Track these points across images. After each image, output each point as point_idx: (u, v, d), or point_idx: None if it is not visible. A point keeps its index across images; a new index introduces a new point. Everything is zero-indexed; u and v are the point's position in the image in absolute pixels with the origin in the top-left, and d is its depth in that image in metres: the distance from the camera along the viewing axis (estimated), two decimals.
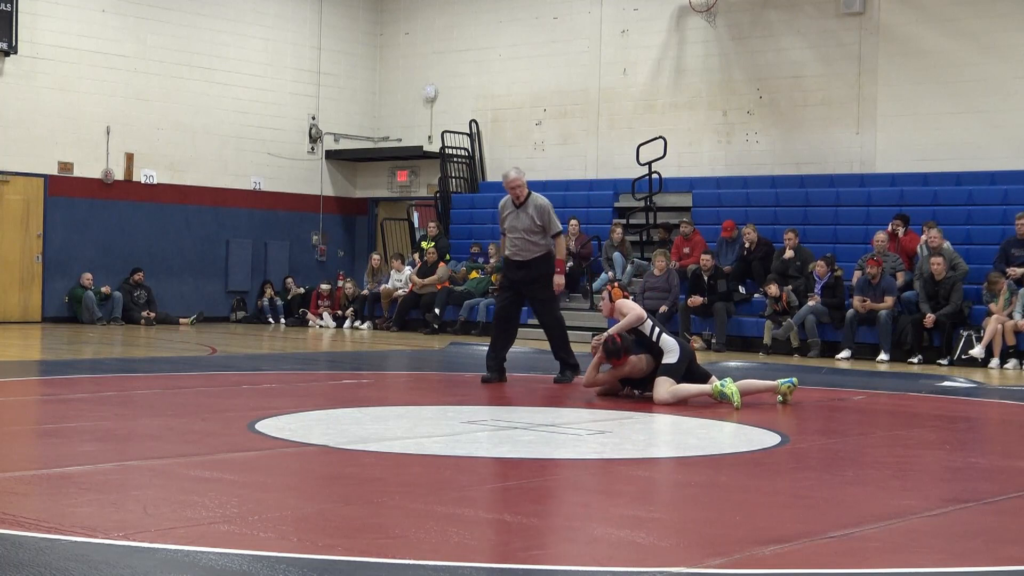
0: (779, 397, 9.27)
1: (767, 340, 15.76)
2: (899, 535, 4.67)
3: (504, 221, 10.63)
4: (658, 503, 5.46)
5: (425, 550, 4.22)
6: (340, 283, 21.16)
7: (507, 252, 10.67)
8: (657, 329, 9.38)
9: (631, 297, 10.29)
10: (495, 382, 10.38)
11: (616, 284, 10.50)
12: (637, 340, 9.42)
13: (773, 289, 15.82)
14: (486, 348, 15.68)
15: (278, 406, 8.33)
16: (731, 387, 8.94)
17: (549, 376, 11.50)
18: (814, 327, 15.45)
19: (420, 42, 22.69)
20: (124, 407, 8.55)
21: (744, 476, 6.14)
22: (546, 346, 16.12)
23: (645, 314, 9.49)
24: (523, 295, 10.75)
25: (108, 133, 19.75)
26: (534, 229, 10.43)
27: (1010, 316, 14.26)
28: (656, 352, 9.28)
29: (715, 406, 8.90)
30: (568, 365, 10.69)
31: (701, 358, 14.30)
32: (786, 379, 9.40)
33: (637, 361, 9.33)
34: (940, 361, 14.49)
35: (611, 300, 9.76)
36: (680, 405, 8.95)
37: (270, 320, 21.17)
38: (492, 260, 19.48)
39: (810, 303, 15.55)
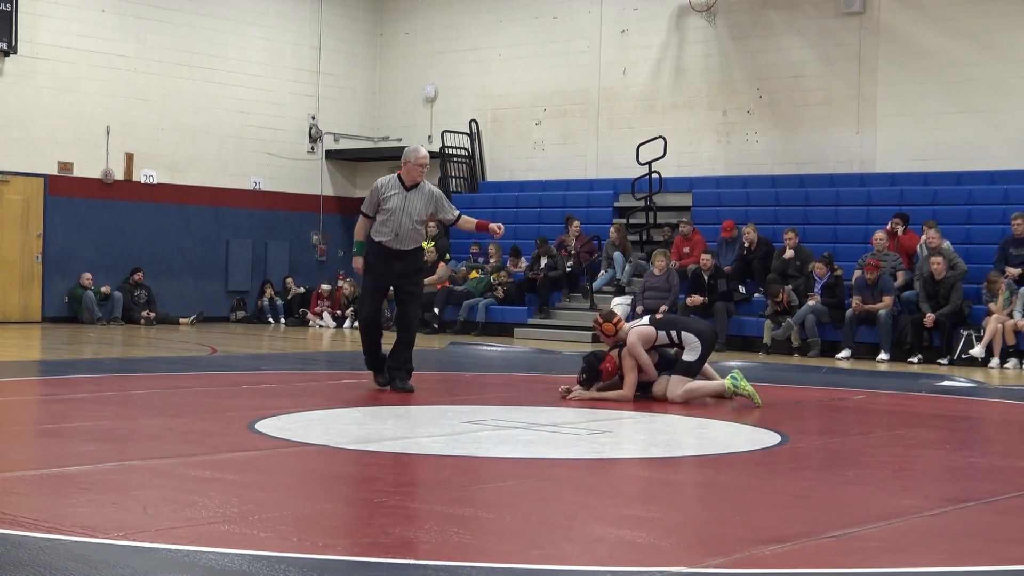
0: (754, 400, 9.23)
1: (767, 340, 15.76)
2: (899, 535, 4.67)
3: (386, 202, 9.34)
4: (658, 503, 5.46)
5: (425, 550, 4.22)
6: (340, 283, 21.15)
7: (383, 239, 9.40)
8: (673, 332, 9.28)
9: (625, 324, 9.70)
10: (387, 385, 9.59)
11: (606, 319, 9.46)
12: (660, 353, 9.32)
13: (783, 294, 15.77)
14: (486, 348, 15.84)
15: (278, 406, 8.33)
16: (744, 385, 8.88)
17: (550, 376, 11.48)
18: (814, 327, 15.45)
19: (420, 42, 22.69)
20: (124, 407, 8.55)
21: (744, 476, 6.14)
22: (547, 345, 16.18)
23: (648, 352, 9.20)
24: (387, 289, 9.76)
25: (108, 133, 19.74)
26: (423, 217, 9.45)
27: (1010, 316, 14.26)
28: (680, 350, 9.23)
29: (715, 406, 8.90)
30: (408, 370, 9.70)
31: None
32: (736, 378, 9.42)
33: (632, 365, 9.22)
34: (940, 361, 14.49)
35: (606, 334, 9.41)
36: (683, 404, 8.94)
37: (270, 320, 21.17)
38: (492, 260, 19.48)
39: (810, 303, 15.55)
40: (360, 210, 9.64)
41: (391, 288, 9.74)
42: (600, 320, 9.53)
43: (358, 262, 9.58)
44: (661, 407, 8.84)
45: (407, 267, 9.51)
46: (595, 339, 17.00)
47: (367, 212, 9.49)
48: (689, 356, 9.13)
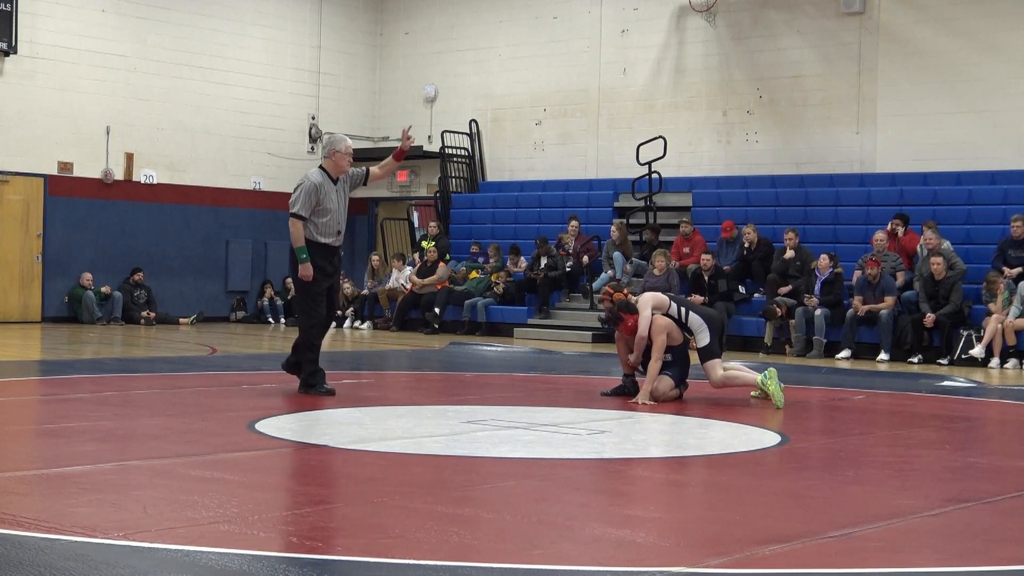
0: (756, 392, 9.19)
1: (767, 340, 15.76)
2: (899, 535, 4.67)
3: (326, 201, 8.86)
4: (658, 503, 5.46)
5: (425, 550, 4.22)
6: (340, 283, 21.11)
7: (328, 239, 8.97)
8: (683, 309, 9.28)
9: (632, 297, 9.73)
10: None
11: (616, 290, 9.43)
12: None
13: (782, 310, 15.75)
14: (486, 348, 15.83)
15: (278, 406, 8.33)
16: (774, 387, 8.86)
17: (549, 376, 11.49)
18: (815, 326, 15.43)
19: (420, 42, 22.69)
20: (124, 407, 8.55)
21: (744, 476, 6.14)
22: (547, 345, 16.18)
23: (653, 311, 9.13)
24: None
25: (108, 133, 19.74)
26: (347, 205, 9.09)
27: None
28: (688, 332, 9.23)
29: (715, 406, 8.90)
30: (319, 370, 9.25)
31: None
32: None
33: (664, 325, 9.06)
34: (940, 361, 14.49)
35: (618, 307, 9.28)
36: (681, 403, 8.94)
37: (270, 320, 21.17)
38: (492, 260, 19.47)
39: (808, 305, 15.51)
40: (296, 214, 8.87)
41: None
42: (610, 292, 9.39)
43: (308, 269, 8.86)
44: (660, 407, 8.84)
45: (338, 262, 9.22)
46: (595, 339, 17.01)
47: (305, 215, 8.85)
48: (701, 341, 9.14)
